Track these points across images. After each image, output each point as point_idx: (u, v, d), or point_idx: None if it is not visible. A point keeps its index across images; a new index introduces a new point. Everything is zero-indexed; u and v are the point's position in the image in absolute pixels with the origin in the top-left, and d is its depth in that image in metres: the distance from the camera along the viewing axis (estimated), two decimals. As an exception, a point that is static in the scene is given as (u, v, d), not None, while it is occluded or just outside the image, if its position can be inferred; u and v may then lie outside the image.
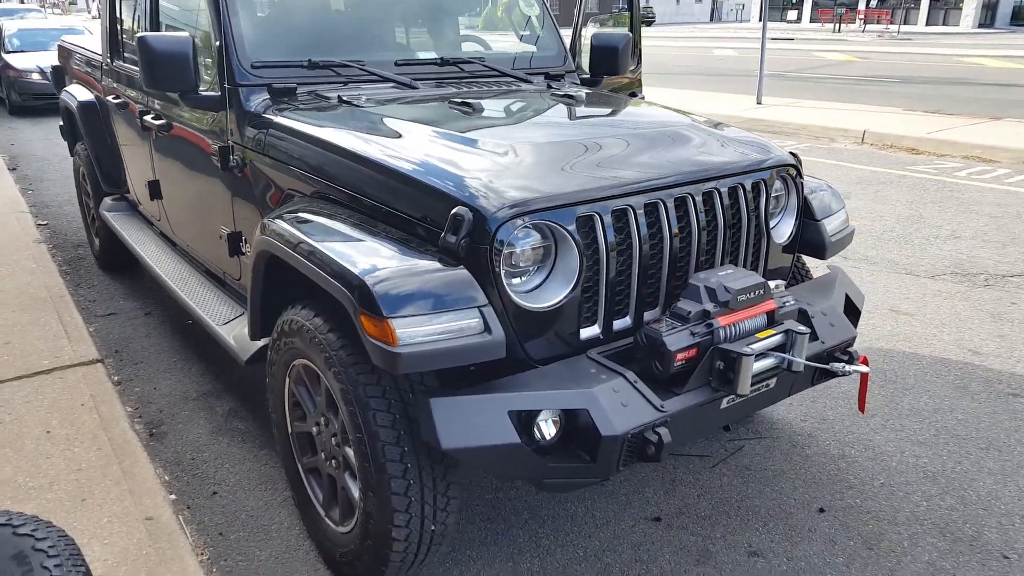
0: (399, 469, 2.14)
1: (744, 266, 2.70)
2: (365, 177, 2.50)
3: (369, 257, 2.13)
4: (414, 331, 1.97)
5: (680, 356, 2.23)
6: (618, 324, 2.43)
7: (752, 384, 2.32)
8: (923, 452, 3.23)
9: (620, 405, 2.12)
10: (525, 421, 2.10)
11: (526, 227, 2.19)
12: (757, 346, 2.29)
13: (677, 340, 2.23)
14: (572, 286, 2.25)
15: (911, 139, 9.89)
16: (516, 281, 2.24)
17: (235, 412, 3.65)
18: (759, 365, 2.31)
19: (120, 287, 5.30)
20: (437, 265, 2.10)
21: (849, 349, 2.60)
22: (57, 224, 6.78)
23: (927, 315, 4.67)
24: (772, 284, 2.52)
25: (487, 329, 2.04)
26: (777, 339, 2.36)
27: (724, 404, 2.35)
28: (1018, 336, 4.35)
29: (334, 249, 2.21)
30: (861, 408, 2.72)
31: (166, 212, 4.21)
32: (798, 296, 2.74)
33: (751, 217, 2.66)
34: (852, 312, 2.90)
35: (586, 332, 2.36)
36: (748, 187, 2.63)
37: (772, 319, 2.43)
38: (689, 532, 2.76)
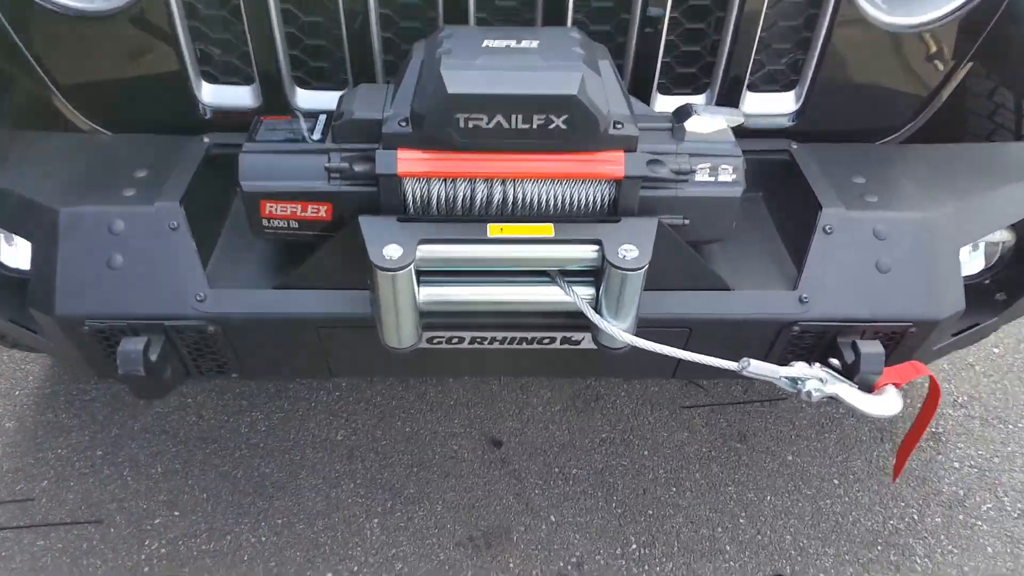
0: None
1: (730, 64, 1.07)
2: None
3: None
4: None
5: (272, 209, 0.94)
6: (315, 98, 1.12)
7: (476, 327, 1.02)
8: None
9: (106, 266, 0.97)
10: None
11: None
12: (460, 249, 0.90)
13: (263, 167, 0.92)
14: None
15: None
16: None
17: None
18: (470, 293, 0.93)
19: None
20: None
21: (862, 338, 0.97)
22: None
23: None
24: (702, 110, 0.94)
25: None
26: (558, 251, 0.91)
27: (447, 343, 1.03)
28: None
29: None
30: (894, 474, 1.12)
31: None
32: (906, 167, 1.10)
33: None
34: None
35: (218, 94, 1.13)
36: None
37: (615, 204, 0.92)
38: (514, 476, 1.56)
